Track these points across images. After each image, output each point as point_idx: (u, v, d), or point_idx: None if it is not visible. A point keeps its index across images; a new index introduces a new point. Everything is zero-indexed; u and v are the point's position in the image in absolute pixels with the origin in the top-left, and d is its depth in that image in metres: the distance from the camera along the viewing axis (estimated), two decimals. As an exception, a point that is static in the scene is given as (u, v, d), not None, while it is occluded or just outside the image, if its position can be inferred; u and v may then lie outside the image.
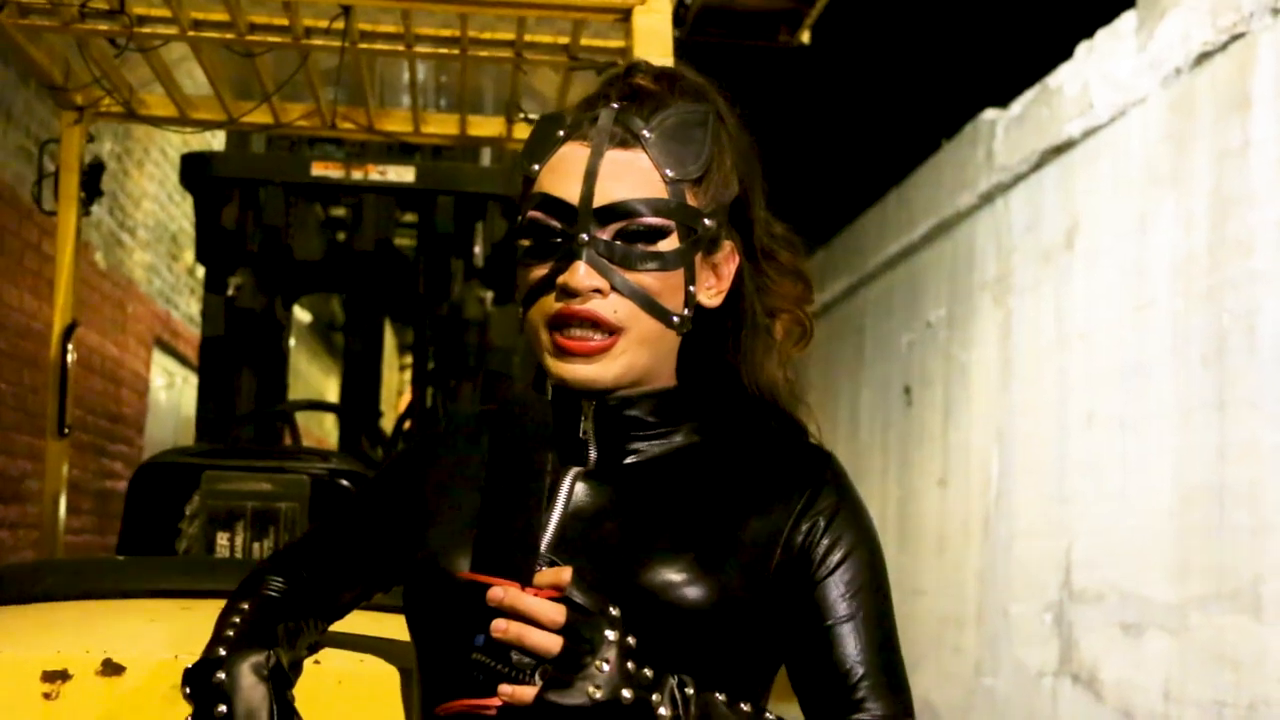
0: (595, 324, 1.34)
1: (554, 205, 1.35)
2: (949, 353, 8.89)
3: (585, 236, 1.33)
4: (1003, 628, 7.70)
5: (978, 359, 8.36)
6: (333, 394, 13.22)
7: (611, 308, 1.33)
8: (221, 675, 1.39)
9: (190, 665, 1.42)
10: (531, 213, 1.37)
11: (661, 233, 1.35)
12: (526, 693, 1.19)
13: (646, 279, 1.34)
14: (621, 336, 1.34)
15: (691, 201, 1.37)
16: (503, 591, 1.19)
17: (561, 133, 1.39)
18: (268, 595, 1.52)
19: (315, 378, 13.55)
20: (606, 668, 1.19)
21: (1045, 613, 7.09)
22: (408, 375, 11.58)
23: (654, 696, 1.21)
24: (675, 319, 1.37)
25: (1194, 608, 5.63)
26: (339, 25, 3.29)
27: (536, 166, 1.39)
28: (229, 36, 3.46)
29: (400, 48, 3.52)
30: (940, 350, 9.07)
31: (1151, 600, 5.98)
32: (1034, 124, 7.58)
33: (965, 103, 8.63)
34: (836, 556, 1.34)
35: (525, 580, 1.21)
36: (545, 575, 1.22)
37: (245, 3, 3.34)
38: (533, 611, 1.19)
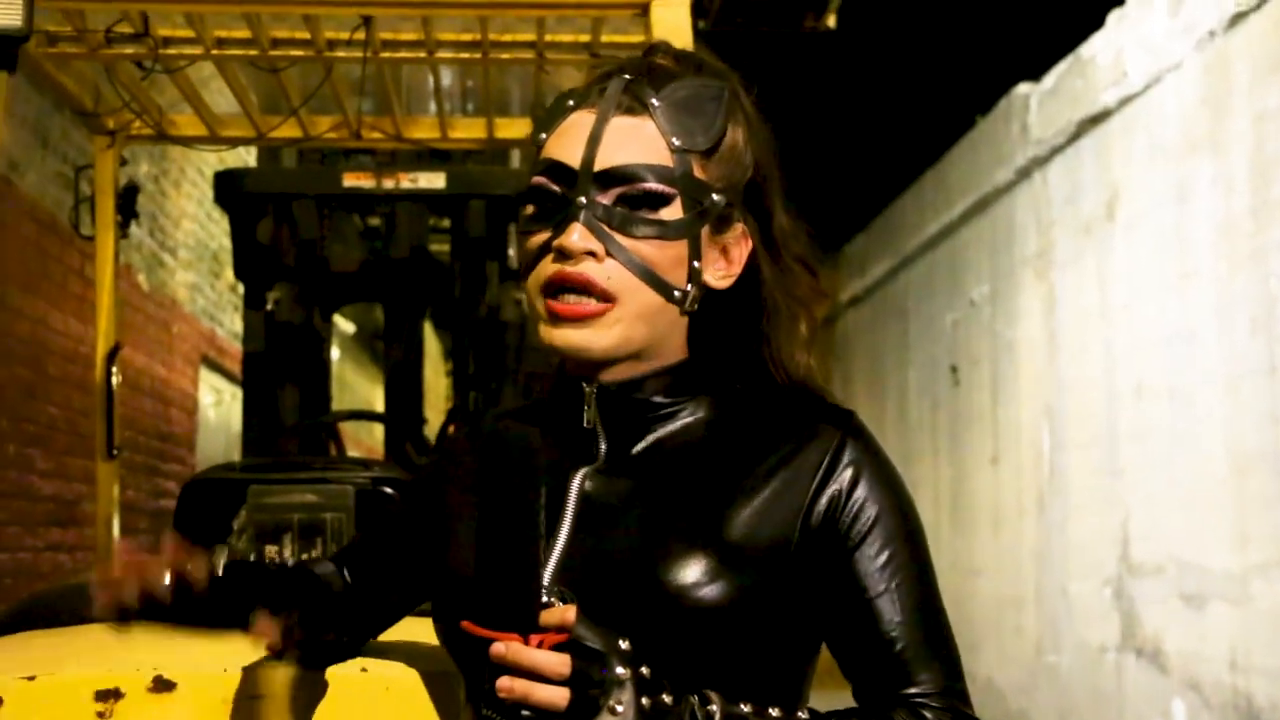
0: (588, 290, 1.30)
1: (556, 169, 1.34)
2: (994, 330, 8.83)
3: (584, 200, 1.31)
4: (1063, 605, 7.64)
5: (1023, 335, 8.30)
6: (380, 403, 13.28)
7: (605, 273, 1.30)
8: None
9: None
10: (535, 178, 1.36)
11: (664, 200, 1.32)
12: None
13: (644, 247, 1.31)
14: (615, 306, 1.31)
15: (699, 174, 1.34)
16: (504, 648, 1.15)
17: (571, 102, 1.38)
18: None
19: (362, 387, 13.63)
20: (620, 708, 1.16)
21: (1105, 588, 7.03)
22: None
23: None
24: (676, 293, 1.33)
25: (1255, 575, 5.56)
26: (360, 36, 3.29)
27: (544, 135, 1.38)
28: (253, 53, 3.48)
29: (422, 54, 3.52)
30: (985, 328, 9.01)
31: (1212, 570, 5.92)
32: (1068, 95, 7.51)
33: (997, 77, 8.56)
34: (865, 524, 1.30)
35: (530, 623, 1.16)
36: (551, 615, 1.17)
37: (267, 19, 3.34)
38: (537, 666, 1.15)
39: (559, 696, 1.15)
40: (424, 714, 1.66)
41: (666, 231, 1.32)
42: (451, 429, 4.71)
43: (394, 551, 1.55)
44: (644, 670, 1.18)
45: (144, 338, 7.18)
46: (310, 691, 1.65)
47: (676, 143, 1.33)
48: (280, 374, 4.52)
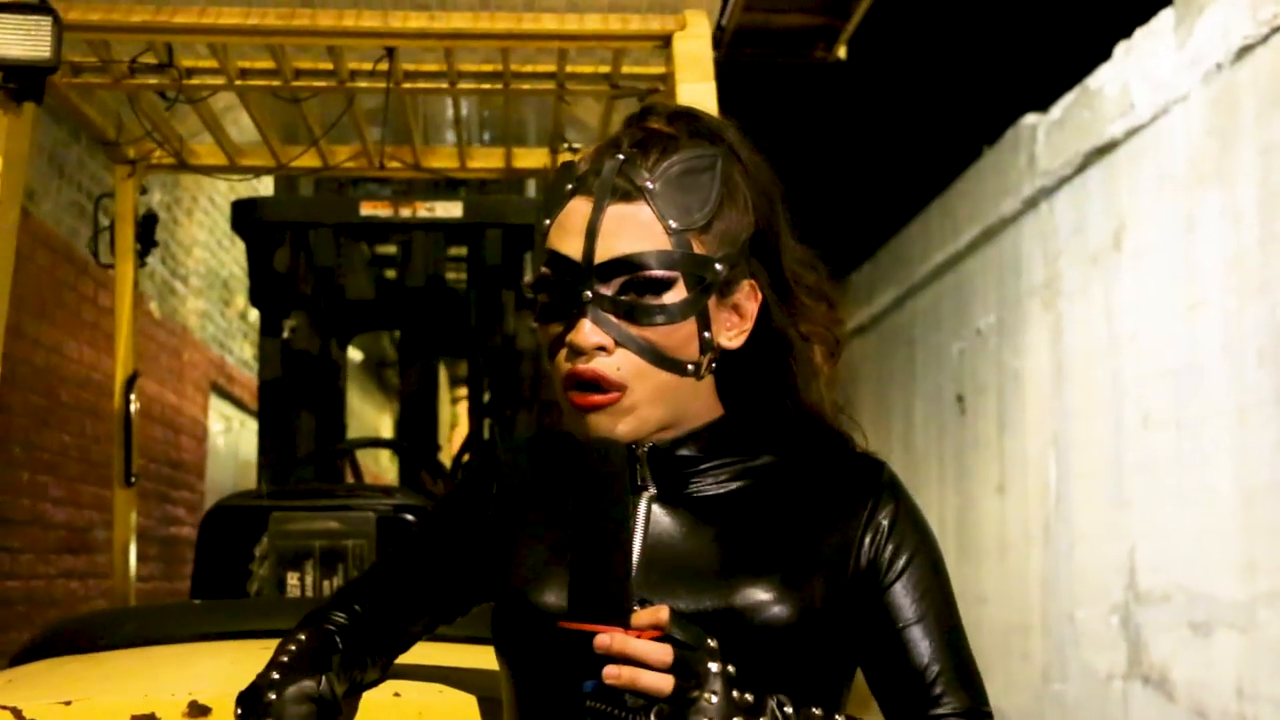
0: (600, 385, 1.35)
1: (559, 262, 1.38)
2: (1000, 360, 8.85)
3: (589, 294, 1.35)
4: (1069, 633, 7.64)
5: (1030, 365, 8.32)
6: (386, 430, 13.30)
7: (615, 365, 1.35)
8: (272, 696, 1.42)
9: (244, 689, 1.44)
10: (543, 269, 1.40)
11: (666, 284, 1.36)
12: None
13: (652, 334, 1.36)
14: (627, 393, 1.36)
15: (698, 249, 1.37)
16: (609, 638, 1.22)
17: (570, 186, 1.41)
18: (327, 629, 1.55)
19: (368, 415, 13.64)
20: (715, 699, 1.23)
21: (1111, 616, 7.03)
22: (460, 408, 11.65)
23: None
24: (690, 367, 1.38)
25: (1262, 604, 5.57)
26: (383, 67, 3.31)
27: (548, 221, 1.41)
28: (275, 84, 3.49)
29: (444, 85, 3.53)
30: (992, 358, 9.03)
31: (1219, 598, 5.93)
32: (1075, 126, 7.56)
33: (1005, 108, 8.62)
34: (901, 562, 1.39)
35: (623, 622, 1.23)
36: (644, 615, 1.24)
37: (290, 50, 3.37)
38: (642, 654, 1.21)
39: (664, 682, 1.21)
40: (456, 739, 1.67)
41: (673, 315, 1.36)
42: (466, 457, 4.72)
43: (424, 576, 1.57)
44: (730, 668, 1.26)
45: (155, 365, 7.20)
46: (344, 717, 1.66)
47: (673, 225, 1.36)
48: (296, 402, 4.54)
